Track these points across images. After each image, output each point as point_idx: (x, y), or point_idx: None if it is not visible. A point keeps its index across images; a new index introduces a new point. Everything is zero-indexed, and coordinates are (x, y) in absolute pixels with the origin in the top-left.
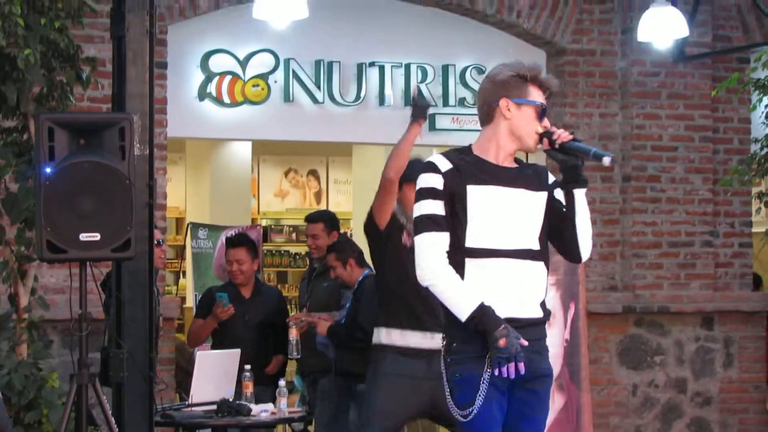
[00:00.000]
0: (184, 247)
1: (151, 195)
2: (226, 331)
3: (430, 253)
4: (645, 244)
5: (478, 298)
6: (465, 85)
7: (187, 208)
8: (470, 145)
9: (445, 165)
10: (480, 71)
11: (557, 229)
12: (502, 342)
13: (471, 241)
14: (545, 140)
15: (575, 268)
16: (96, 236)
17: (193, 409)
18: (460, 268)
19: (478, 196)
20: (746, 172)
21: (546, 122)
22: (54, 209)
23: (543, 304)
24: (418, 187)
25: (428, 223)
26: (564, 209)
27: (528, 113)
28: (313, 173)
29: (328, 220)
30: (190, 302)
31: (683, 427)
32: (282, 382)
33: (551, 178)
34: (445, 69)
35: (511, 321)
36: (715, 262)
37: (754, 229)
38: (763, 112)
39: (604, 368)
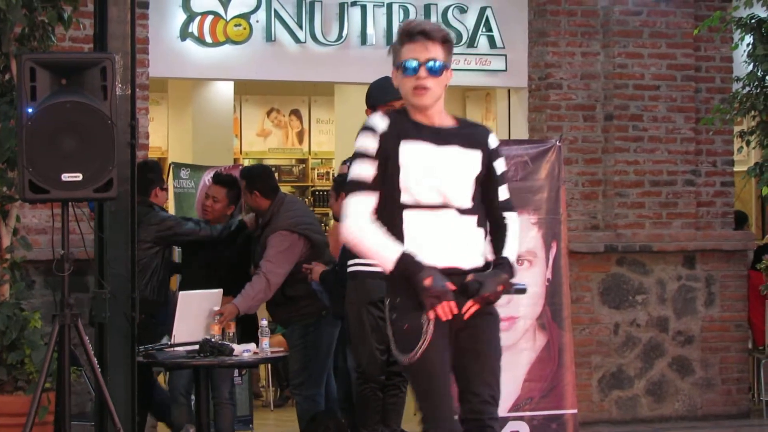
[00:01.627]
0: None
1: (133, 135)
2: (187, 266)
3: (355, 214)
4: (627, 183)
5: (399, 247)
6: (447, 24)
7: (169, 148)
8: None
9: (383, 125)
10: (462, 10)
11: (487, 196)
12: (427, 281)
13: (405, 197)
14: None
15: (557, 207)
16: (78, 176)
17: (176, 349)
18: (397, 220)
19: (409, 153)
20: (728, 111)
21: (422, 73)
22: (36, 149)
23: (482, 254)
24: (355, 148)
25: (357, 186)
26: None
27: (398, 76)
28: (296, 113)
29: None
30: None
31: (665, 366)
32: (264, 322)
33: (494, 142)
34: (427, 8)
35: (449, 270)
36: (697, 201)
37: (736, 168)
38: (745, 51)
39: (586, 307)
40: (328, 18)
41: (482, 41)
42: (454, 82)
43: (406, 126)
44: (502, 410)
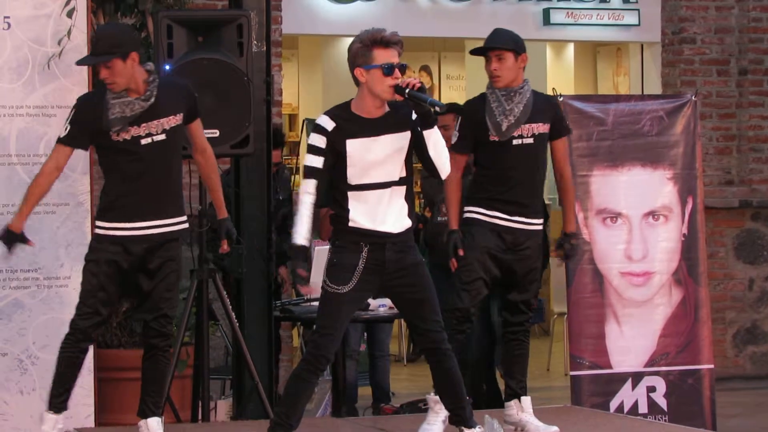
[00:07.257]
0: (298, 143)
1: (269, 91)
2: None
3: (304, 190)
4: (762, 137)
5: (304, 237)
6: None
7: (300, 105)
8: (350, 102)
9: (330, 125)
10: None
11: (421, 154)
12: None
13: (351, 180)
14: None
15: (693, 162)
16: (215, 133)
17: (312, 304)
18: (344, 197)
19: (354, 148)
20: None
21: (396, 74)
22: None
23: (408, 216)
24: (308, 143)
25: (308, 173)
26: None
27: (375, 74)
28: (425, 69)
29: None
30: None
31: None
32: None
33: (415, 115)
34: None
35: (381, 234)
36: None
37: None
38: None
39: (720, 263)
40: None
41: None
42: (586, 37)
43: (348, 125)
44: (638, 365)
